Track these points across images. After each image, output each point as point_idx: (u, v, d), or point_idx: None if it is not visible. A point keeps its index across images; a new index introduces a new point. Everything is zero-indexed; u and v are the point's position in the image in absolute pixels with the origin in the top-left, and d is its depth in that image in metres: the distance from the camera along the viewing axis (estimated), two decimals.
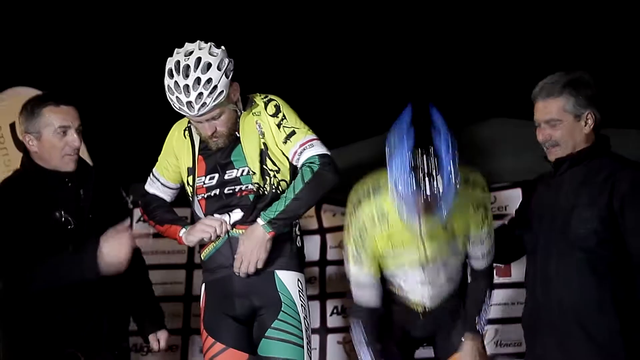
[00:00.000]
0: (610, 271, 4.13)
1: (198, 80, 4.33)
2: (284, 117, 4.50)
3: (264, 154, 4.51)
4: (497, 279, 6.01)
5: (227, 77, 4.39)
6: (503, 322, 5.97)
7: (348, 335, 6.06)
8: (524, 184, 5.88)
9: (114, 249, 4.27)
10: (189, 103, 4.35)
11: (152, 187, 4.83)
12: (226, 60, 4.40)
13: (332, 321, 6.11)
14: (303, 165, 4.48)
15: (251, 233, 4.44)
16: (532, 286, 4.31)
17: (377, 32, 4.55)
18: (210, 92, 4.34)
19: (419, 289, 4.41)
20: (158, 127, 4.99)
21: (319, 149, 4.50)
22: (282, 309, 4.47)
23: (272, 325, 4.46)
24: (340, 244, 6.17)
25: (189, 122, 4.61)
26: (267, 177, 4.50)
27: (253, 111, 4.53)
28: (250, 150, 4.52)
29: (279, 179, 4.51)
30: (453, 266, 4.42)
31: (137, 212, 6.50)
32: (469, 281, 4.53)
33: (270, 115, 4.50)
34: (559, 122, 4.24)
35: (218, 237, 4.51)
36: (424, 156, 3.92)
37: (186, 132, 4.63)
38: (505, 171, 5.96)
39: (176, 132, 4.68)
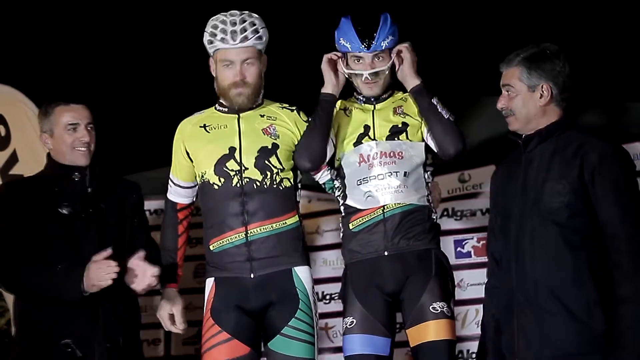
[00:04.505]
0: (585, 244, 4.13)
1: (243, 19, 4.58)
2: None
3: (268, 151, 4.62)
4: (476, 259, 6.04)
5: (266, 36, 4.64)
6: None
7: (331, 321, 6.09)
8: (498, 161, 5.90)
9: (99, 274, 4.47)
10: (233, 32, 4.54)
11: (171, 193, 4.90)
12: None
13: None
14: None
15: None
16: (507, 266, 4.26)
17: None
18: (253, 32, 4.58)
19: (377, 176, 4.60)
20: (160, 123, 5.09)
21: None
22: (300, 307, 4.60)
23: (289, 323, 4.58)
24: (318, 229, 6.18)
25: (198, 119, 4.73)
26: (269, 172, 4.60)
27: (265, 114, 4.69)
28: (246, 146, 4.62)
29: (282, 177, 4.63)
30: (409, 150, 4.64)
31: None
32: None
33: (305, 121, 4.71)
34: (513, 90, 4.27)
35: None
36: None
37: (207, 127, 4.70)
38: (482, 149, 5.98)
39: (188, 128, 4.75)
